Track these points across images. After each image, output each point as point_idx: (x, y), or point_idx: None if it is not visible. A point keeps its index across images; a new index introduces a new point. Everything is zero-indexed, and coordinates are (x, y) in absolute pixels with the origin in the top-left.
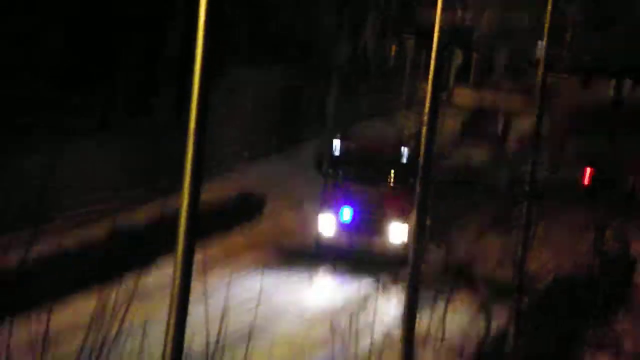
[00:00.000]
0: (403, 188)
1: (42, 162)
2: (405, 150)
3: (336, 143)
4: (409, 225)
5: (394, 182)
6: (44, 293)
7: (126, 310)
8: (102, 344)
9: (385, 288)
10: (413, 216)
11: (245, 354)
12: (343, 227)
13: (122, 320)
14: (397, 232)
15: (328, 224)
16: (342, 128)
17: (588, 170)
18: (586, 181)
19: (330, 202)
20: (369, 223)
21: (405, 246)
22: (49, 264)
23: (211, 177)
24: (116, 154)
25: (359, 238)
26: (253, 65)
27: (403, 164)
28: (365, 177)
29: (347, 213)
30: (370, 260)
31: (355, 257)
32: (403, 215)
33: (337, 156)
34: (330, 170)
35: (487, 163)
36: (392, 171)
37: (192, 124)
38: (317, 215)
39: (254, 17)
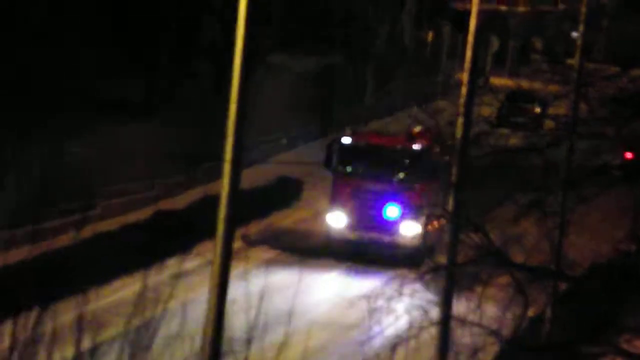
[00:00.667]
0: (414, 183)
1: (89, 145)
2: (416, 145)
3: (345, 138)
4: (420, 220)
5: (404, 177)
6: (91, 274)
7: (169, 293)
8: (146, 324)
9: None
10: (425, 210)
11: (285, 333)
12: (353, 222)
13: (165, 301)
14: (409, 227)
15: (338, 219)
16: (353, 125)
17: (628, 155)
18: (626, 162)
19: (340, 197)
20: (378, 218)
21: (418, 241)
22: (95, 247)
23: (250, 164)
24: (159, 139)
25: (368, 233)
26: (291, 51)
27: (414, 159)
28: (375, 173)
29: (357, 208)
30: (381, 255)
31: (366, 251)
32: (415, 210)
33: (346, 152)
34: (340, 166)
35: (523, 148)
36: (402, 166)
37: (231, 113)
38: (328, 210)
39: (294, 3)
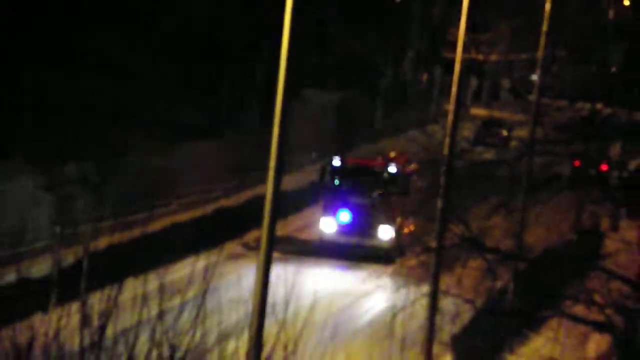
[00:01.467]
0: (390, 197)
1: (163, 156)
2: (392, 167)
3: (335, 160)
4: (394, 226)
5: (382, 192)
6: (169, 253)
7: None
8: (205, 293)
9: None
10: (398, 219)
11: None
12: (341, 227)
13: (225, 275)
14: (385, 232)
15: (328, 225)
16: (342, 149)
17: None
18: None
19: (331, 207)
20: (361, 224)
21: (392, 243)
22: (172, 233)
23: (289, 172)
24: (221, 154)
25: (353, 236)
26: (319, 87)
27: (390, 177)
28: (359, 188)
29: (344, 216)
30: (363, 254)
31: (351, 251)
32: (390, 219)
33: (336, 170)
34: (331, 182)
35: (494, 162)
36: (381, 183)
37: (275, 131)
38: (320, 217)
39: (319, 50)
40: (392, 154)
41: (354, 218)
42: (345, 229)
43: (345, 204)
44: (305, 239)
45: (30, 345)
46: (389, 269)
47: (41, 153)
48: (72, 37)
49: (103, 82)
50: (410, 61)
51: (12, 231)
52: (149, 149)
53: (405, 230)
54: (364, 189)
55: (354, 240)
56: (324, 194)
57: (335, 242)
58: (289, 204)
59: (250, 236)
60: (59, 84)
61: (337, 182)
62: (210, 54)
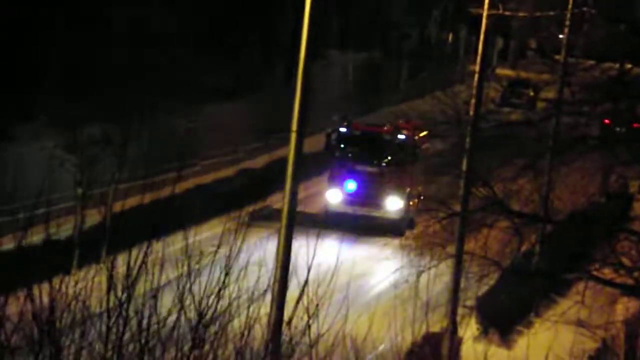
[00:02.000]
0: (399, 166)
1: (187, 118)
2: (401, 134)
3: (342, 128)
4: (403, 197)
5: (390, 161)
6: (194, 214)
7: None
8: (231, 254)
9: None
10: (409, 188)
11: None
12: (347, 198)
13: (246, 236)
14: (394, 203)
15: (335, 196)
16: (347, 115)
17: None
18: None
19: (337, 177)
20: (369, 194)
21: (401, 214)
22: (196, 195)
23: (311, 134)
24: (243, 113)
25: (360, 208)
26: (343, 48)
27: (400, 145)
28: (366, 156)
29: (350, 186)
30: (370, 226)
31: (358, 222)
32: (399, 189)
33: (342, 138)
34: (337, 151)
35: (520, 122)
36: (389, 152)
37: (297, 96)
38: (327, 188)
39: (344, 9)
40: (401, 122)
41: (360, 188)
42: (352, 199)
43: (352, 173)
44: (311, 210)
45: (52, 307)
46: (415, 230)
47: (65, 115)
48: (99, 2)
49: (129, 47)
50: (435, 20)
51: (33, 192)
52: (173, 111)
53: (414, 202)
54: (372, 157)
55: (361, 211)
56: (329, 163)
57: (342, 213)
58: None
59: (273, 198)
60: (84, 48)
61: (343, 149)
62: (233, 16)
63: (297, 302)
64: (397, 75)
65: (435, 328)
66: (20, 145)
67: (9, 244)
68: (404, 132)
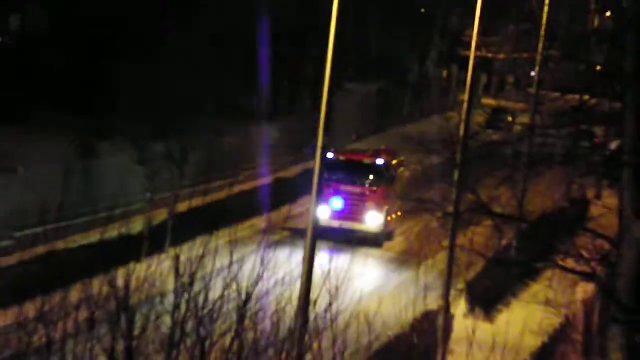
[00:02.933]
0: (378, 186)
1: (237, 138)
2: (379, 160)
3: (329, 155)
4: (382, 213)
5: (370, 183)
6: (237, 214)
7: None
8: (268, 245)
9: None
10: (387, 206)
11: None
12: (334, 214)
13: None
14: (374, 218)
15: (323, 212)
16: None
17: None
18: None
19: (325, 196)
20: (352, 211)
21: (380, 227)
22: (239, 199)
23: (335, 149)
24: (279, 135)
25: (345, 222)
26: (357, 80)
27: (379, 169)
28: (350, 178)
29: (337, 204)
30: (354, 237)
31: (343, 235)
32: (378, 206)
33: (330, 164)
34: (326, 173)
35: (500, 142)
36: (370, 174)
37: (321, 119)
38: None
39: (359, 48)
40: (380, 148)
41: (345, 205)
42: (337, 215)
43: (338, 193)
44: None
45: (127, 287)
46: (416, 227)
47: (135, 134)
48: (157, 36)
49: (184, 76)
50: (433, 59)
51: (111, 196)
52: (222, 130)
53: (392, 217)
54: (354, 179)
55: (345, 225)
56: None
57: (329, 227)
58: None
59: (302, 200)
60: (146, 77)
61: (330, 173)
62: (273, 53)
63: (322, 286)
64: (401, 102)
65: (432, 306)
66: (102, 159)
67: (94, 237)
68: (383, 157)
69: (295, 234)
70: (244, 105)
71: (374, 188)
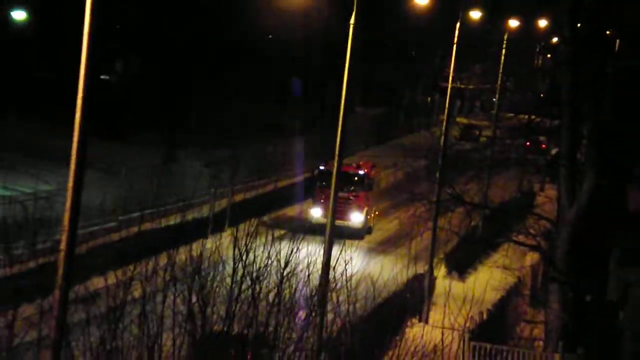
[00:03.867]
0: (360, 192)
1: (276, 147)
2: (360, 171)
3: (322, 166)
4: (363, 213)
5: (355, 189)
6: (278, 204)
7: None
8: (300, 227)
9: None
10: (367, 207)
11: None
12: (324, 213)
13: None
14: (357, 217)
15: (316, 212)
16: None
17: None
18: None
19: (318, 199)
20: (340, 212)
21: (362, 224)
22: (279, 194)
23: (347, 156)
24: (306, 146)
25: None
26: (364, 104)
27: (361, 178)
28: (339, 186)
29: (327, 206)
30: (341, 232)
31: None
32: (360, 208)
33: (322, 174)
34: (318, 182)
35: (471, 150)
36: (354, 183)
37: (339, 131)
38: (311, 207)
39: (365, 79)
40: (362, 162)
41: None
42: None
43: (328, 197)
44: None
45: (200, 257)
46: (409, 213)
47: (203, 144)
48: (219, 72)
49: (239, 100)
50: (420, 88)
51: (186, 191)
52: (265, 140)
53: (371, 216)
54: (342, 186)
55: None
56: (313, 190)
57: (320, 223)
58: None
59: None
60: (211, 103)
61: (322, 181)
62: (302, 83)
63: (338, 256)
64: (397, 121)
65: (420, 271)
66: (179, 163)
67: (174, 220)
68: (364, 169)
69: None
70: (282, 123)
71: (357, 194)
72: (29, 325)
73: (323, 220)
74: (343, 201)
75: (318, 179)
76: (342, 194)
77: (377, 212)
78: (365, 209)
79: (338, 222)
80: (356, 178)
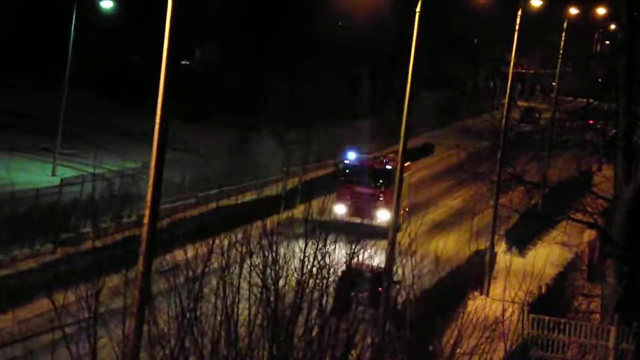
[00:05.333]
0: (387, 188)
1: (339, 129)
2: (388, 165)
3: (345, 162)
4: (390, 209)
5: (380, 184)
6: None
7: None
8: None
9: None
10: (391, 204)
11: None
12: (349, 210)
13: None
14: (383, 215)
15: (341, 209)
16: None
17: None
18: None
19: (342, 196)
20: (365, 209)
21: (387, 223)
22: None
23: (412, 137)
24: (372, 127)
25: (359, 218)
26: (429, 88)
27: (386, 173)
28: (364, 181)
29: (352, 202)
30: (366, 231)
31: (357, 228)
32: (387, 204)
33: (345, 169)
34: (342, 177)
35: (531, 132)
36: (379, 178)
37: (404, 117)
38: (334, 204)
39: (431, 66)
40: (390, 155)
41: (359, 203)
42: (353, 212)
43: (354, 193)
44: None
45: (272, 230)
46: (471, 191)
47: (276, 128)
48: (293, 60)
49: (307, 85)
50: (483, 75)
51: (261, 170)
52: (333, 124)
53: (401, 212)
54: (367, 182)
55: (360, 220)
56: (337, 184)
57: (345, 221)
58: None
59: None
60: (284, 89)
61: (346, 176)
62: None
63: (404, 232)
64: (460, 105)
65: (482, 246)
66: (254, 145)
67: (250, 197)
68: (391, 163)
69: None
70: (351, 108)
71: (384, 190)
72: (115, 294)
73: (348, 218)
74: (368, 198)
75: (341, 174)
76: (366, 189)
77: (406, 209)
78: (393, 205)
79: (363, 220)
80: (383, 173)
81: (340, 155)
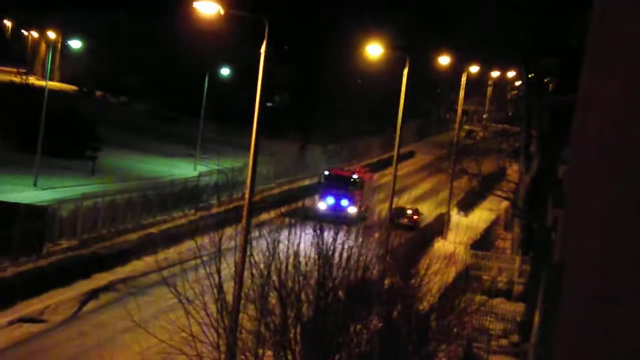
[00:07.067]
0: (354, 191)
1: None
2: (355, 175)
3: (325, 171)
4: (357, 206)
5: (350, 188)
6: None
7: None
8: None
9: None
10: (359, 203)
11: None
12: (328, 206)
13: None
14: (352, 210)
15: (322, 205)
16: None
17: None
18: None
19: (323, 195)
20: (339, 205)
21: (355, 215)
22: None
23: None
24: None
25: (335, 212)
26: (411, 117)
27: (355, 180)
28: (338, 185)
29: (329, 200)
30: (340, 221)
31: (334, 219)
32: (356, 202)
33: (326, 176)
34: (323, 181)
35: (471, 144)
36: (349, 184)
37: (397, 135)
38: (317, 201)
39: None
40: (358, 167)
41: (335, 202)
42: (330, 208)
43: (331, 194)
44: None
45: (305, 217)
46: (436, 179)
47: (322, 139)
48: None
49: (342, 115)
50: (444, 109)
51: (311, 169)
52: (368, 132)
53: (363, 209)
54: (341, 186)
55: (335, 213)
56: (320, 189)
57: (325, 214)
58: None
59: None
60: (329, 111)
61: (326, 182)
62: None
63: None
64: (430, 127)
65: (443, 211)
66: (308, 151)
67: (305, 183)
68: (357, 173)
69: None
70: (365, 130)
71: (352, 192)
72: (230, 239)
73: (327, 212)
74: (341, 197)
75: (323, 180)
76: (341, 192)
77: (367, 206)
78: (358, 204)
79: (338, 213)
80: (351, 180)
81: (323, 169)
